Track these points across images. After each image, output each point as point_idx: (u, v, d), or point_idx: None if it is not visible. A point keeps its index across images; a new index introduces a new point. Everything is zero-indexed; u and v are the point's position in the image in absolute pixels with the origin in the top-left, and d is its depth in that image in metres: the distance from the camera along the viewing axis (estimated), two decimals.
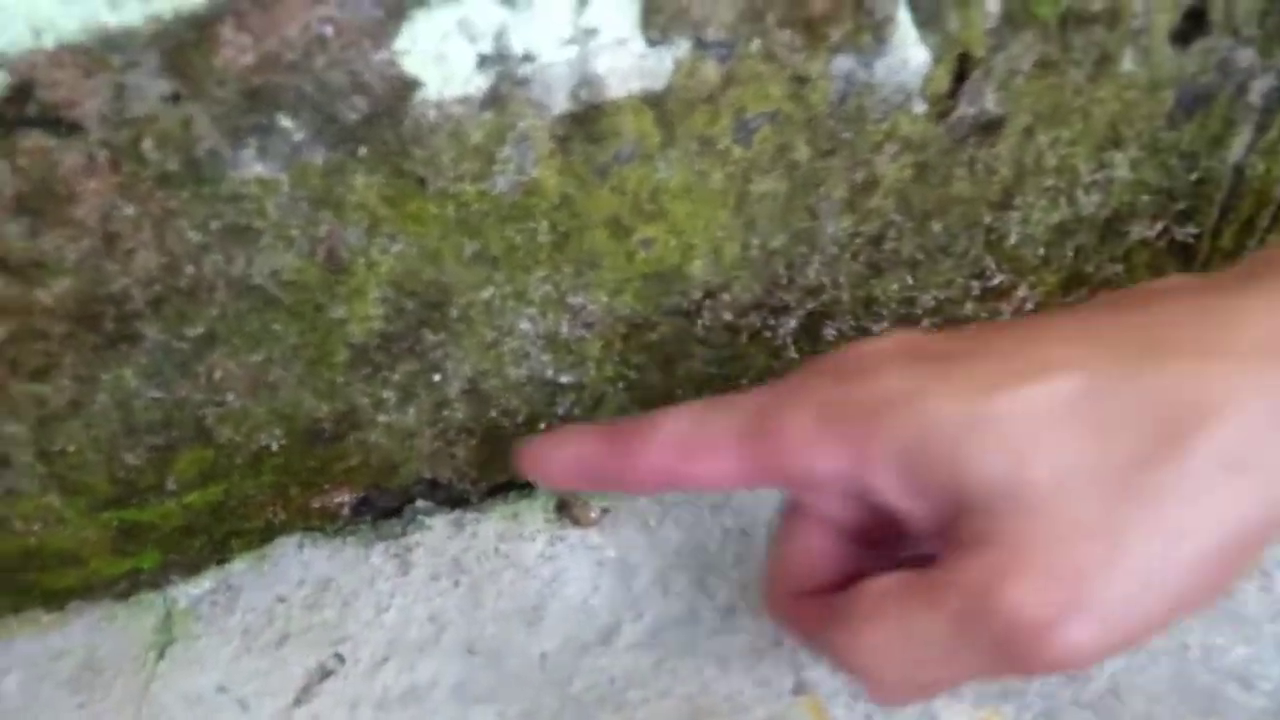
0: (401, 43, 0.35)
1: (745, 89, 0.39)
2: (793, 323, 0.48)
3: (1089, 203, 0.47)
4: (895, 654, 0.32)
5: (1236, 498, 0.29)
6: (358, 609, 0.49)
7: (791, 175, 0.42)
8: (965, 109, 0.42)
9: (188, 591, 0.50)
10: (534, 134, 0.38)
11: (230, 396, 0.43)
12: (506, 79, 0.37)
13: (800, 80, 0.39)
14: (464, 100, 0.37)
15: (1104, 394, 0.30)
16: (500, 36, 0.36)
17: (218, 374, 0.42)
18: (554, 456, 0.38)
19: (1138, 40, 0.42)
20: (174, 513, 0.46)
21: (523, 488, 0.53)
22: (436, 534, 0.51)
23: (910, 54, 0.40)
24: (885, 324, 0.50)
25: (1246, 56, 0.44)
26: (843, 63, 0.39)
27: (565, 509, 0.51)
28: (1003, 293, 0.50)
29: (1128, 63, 0.43)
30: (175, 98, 0.34)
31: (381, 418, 0.46)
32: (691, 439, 0.35)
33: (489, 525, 0.51)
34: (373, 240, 0.39)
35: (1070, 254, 0.50)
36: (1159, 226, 0.50)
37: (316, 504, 0.49)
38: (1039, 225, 0.48)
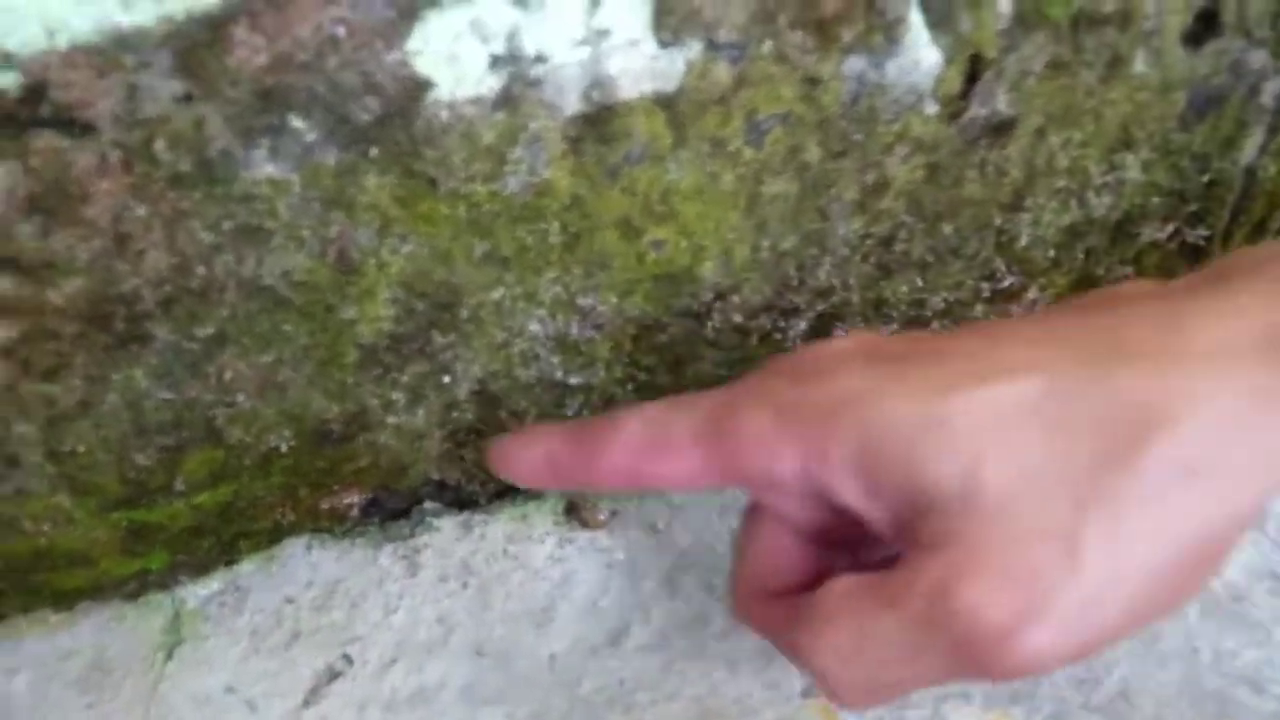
0: (414, 43, 0.35)
1: (757, 90, 0.39)
2: (803, 324, 0.48)
3: (1100, 204, 0.47)
4: (855, 655, 0.32)
5: (1195, 502, 0.29)
6: (366, 610, 0.49)
7: (803, 177, 0.42)
8: (977, 110, 0.42)
9: (196, 592, 0.50)
10: (546, 135, 0.38)
11: (240, 397, 0.43)
12: (518, 80, 0.37)
13: (812, 81, 0.39)
14: (476, 101, 0.37)
15: (1064, 396, 0.30)
16: (512, 37, 0.36)
17: (228, 375, 0.42)
18: (521, 456, 0.38)
19: (1149, 42, 0.42)
20: (183, 513, 0.46)
21: (531, 490, 0.53)
22: (445, 535, 0.51)
23: (922, 55, 0.40)
24: (895, 326, 0.50)
25: (1259, 58, 0.44)
26: (854, 64, 0.39)
27: (574, 511, 0.51)
28: (1013, 295, 0.50)
29: (1139, 64, 0.43)
30: (188, 98, 0.34)
31: (391, 419, 0.46)
32: (651, 439, 0.35)
33: (497, 527, 0.51)
34: (383, 241, 0.39)
35: (1081, 256, 0.50)
36: (1170, 228, 0.50)
37: (325, 505, 0.49)
38: (1050, 227, 0.48)
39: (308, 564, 0.50)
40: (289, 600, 0.49)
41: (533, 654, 0.47)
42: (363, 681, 0.46)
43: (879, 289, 0.48)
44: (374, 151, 0.37)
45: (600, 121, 0.38)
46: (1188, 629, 0.46)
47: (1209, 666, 0.44)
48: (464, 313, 0.43)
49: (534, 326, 0.44)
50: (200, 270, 0.38)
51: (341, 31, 0.34)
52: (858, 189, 0.43)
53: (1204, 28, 0.42)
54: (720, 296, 0.46)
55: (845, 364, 0.33)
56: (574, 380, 0.47)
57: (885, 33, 0.39)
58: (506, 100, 0.37)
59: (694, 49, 0.37)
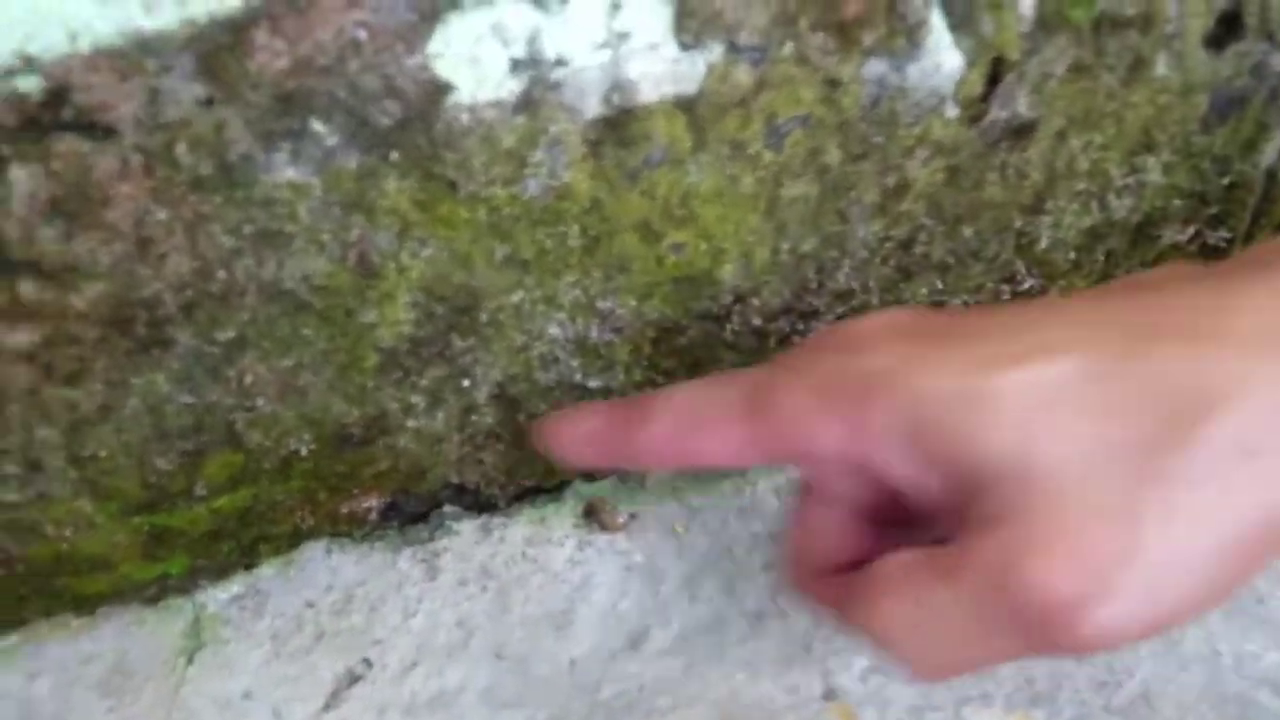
0: (434, 46, 0.35)
1: (777, 93, 0.39)
2: (822, 327, 0.48)
3: (1121, 207, 0.47)
4: (915, 629, 0.32)
5: (1254, 483, 0.28)
6: (385, 614, 0.49)
7: (822, 179, 0.42)
8: (998, 113, 0.42)
9: (216, 596, 0.50)
10: (566, 138, 0.38)
11: (260, 401, 0.43)
12: (539, 83, 0.37)
13: (832, 84, 0.39)
14: (496, 104, 0.37)
15: (1105, 377, 0.30)
16: (533, 40, 0.36)
17: (248, 379, 0.42)
18: (567, 434, 0.38)
19: (1171, 44, 0.42)
20: (203, 517, 0.46)
21: (550, 492, 0.53)
22: (464, 539, 0.51)
23: (943, 58, 0.40)
24: None
25: None
26: (875, 66, 0.39)
27: (593, 513, 0.51)
28: (1033, 297, 0.50)
29: (1161, 67, 0.42)
30: (209, 102, 0.34)
31: (410, 423, 0.46)
32: (693, 416, 0.35)
33: (516, 530, 0.51)
34: (403, 244, 0.39)
35: (1101, 258, 0.49)
36: (1190, 231, 0.50)
37: (344, 509, 0.49)
38: (1070, 229, 0.48)
39: (327, 568, 0.50)
40: (309, 604, 0.49)
41: (552, 657, 0.47)
42: (383, 685, 0.46)
43: (899, 291, 0.48)
44: (394, 155, 0.37)
45: (620, 125, 0.38)
46: (1209, 632, 0.46)
47: (1230, 669, 0.44)
48: (484, 316, 0.43)
49: (553, 330, 0.44)
50: (221, 274, 0.38)
51: (363, 35, 0.34)
52: (878, 191, 0.43)
53: (1226, 30, 0.42)
54: (740, 299, 0.46)
55: (885, 338, 0.33)
56: (593, 383, 0.47)
57: (907, 35, 0.39)
58: (527, 103, 0.37)
59: (715, 52, 0.37)
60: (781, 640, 0.47)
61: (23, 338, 0.38)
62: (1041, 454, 0.29)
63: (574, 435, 0.38)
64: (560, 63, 0.36)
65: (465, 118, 0.37)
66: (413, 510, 0.51)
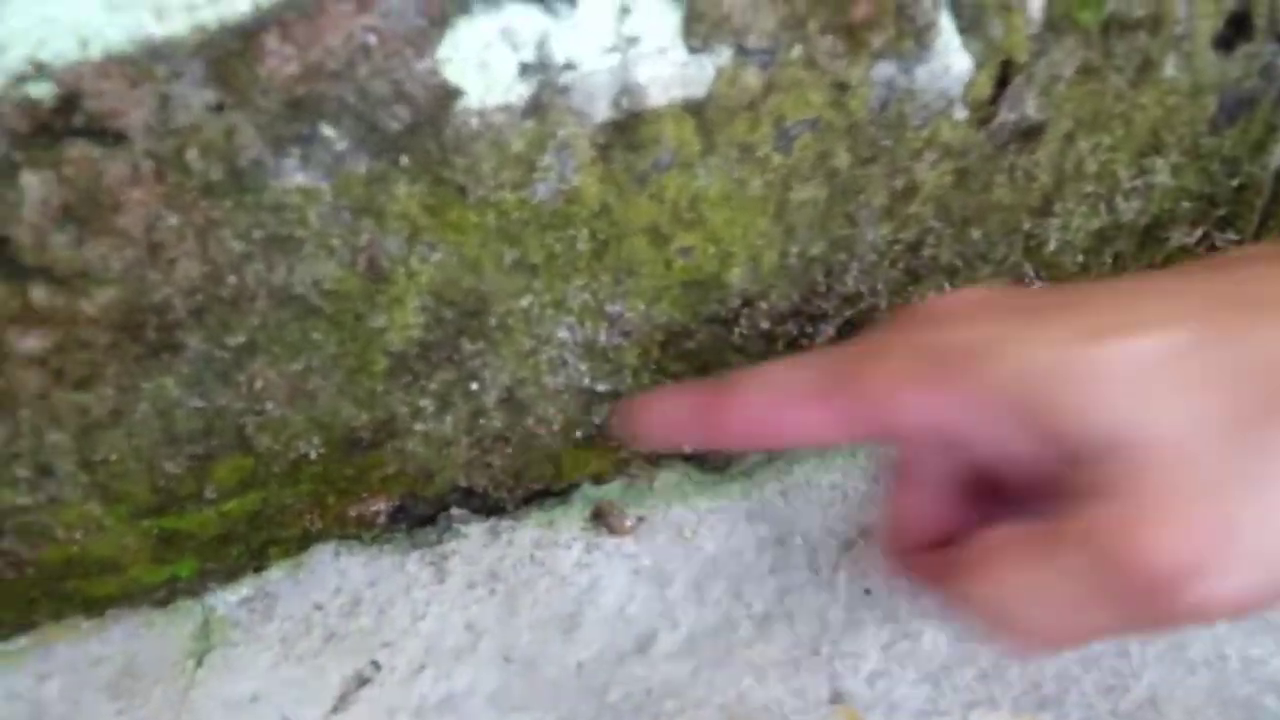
0: (444, 51, 0.35)
1: (786, 96, 0.39)
2: (830, 330, 0.48)
3: (1129, 209, 0.47)
4: (1020, 603, 0.31)
5: None
6: (394, 617, 0.49)
7: (831, 182, 0.42)
8: (1006, 115, 0.42)
9: (225, 599, 0.50)
10: (575, 142, 0.38)
11: (270, 405, 0.43)
12: (548, 87, 0.37)
13: (841, 87, 0.39)
14: (505, 109, 0.37)
15: (1208, 351, 0.30)
16: (542, 45, 0.36)
17: (258, 383, 0.42)
18: (651, 416, 0.38)
19: (1180, 46, 0.42)
20: (212, 521, 0.47)
21: (558, 495, 0.53)
22: (472, 542, 0.51)
23: (952, 60, 0.40)
24: None
25: None
26: (884, 69, 0.39)
27: (600, 517, 0.51)
28: None
29: (1170, 68, 0.42)
30: (219, 107, 0.34)
31: (419, 426, 0.46)
32: (783, 393, 0.35)
33: (525, 533, 0.51)
34: (413, 249, 0.39)
35: (1109, 260, 0.49)
36: (1199, 233, 0.50)
37: (353, 512, 0.49)
38: (1078, 232, 0.48)
39: (336, 570, 0.50)
40: (318, 607, 0.49)
41: (560, 661, 0.47)
42: (391, 688, 0.46)
43: (907, 294, 0.48)
44: (404, 160, 0.37)
45: (629, 128, 0.38)
46: (1216, 636, 0.46)
47: (1237, 673, 0.44)
48: (492, 320, 0.43)
49: (562, 334, 0.44)
50: (231, 279, 0.38)
51: (372, 40, 0.34)
52: (886, 194, 0.43)
53: (1235, 31, 0.42)
54: (748, 302, 0.46)
55: (980, 311, 0.33)
56: (602, 387, 0.47)
57: (915, 38, 0.39)
58: (536, 108, 0.37)
59: (723, 55, 0.37)
60: (789, 644, 0.47)
61: (34, 343, 0.38)
62: (1149, 425, 0.29)
63: (658, 418, 0.38)
64: (569, 67, 0.36)
65: (474, 122, 0.37)
66: (421, 513, 0.51)
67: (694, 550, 0.50)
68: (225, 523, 0.47)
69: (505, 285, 0.42)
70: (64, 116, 0.33)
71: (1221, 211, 0.49)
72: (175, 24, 0.33)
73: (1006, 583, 0.32)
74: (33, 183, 0.34)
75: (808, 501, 0.52)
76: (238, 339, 0.40)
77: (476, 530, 0.52)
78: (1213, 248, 0.50)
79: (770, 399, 0.35)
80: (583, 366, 0.46)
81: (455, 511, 0.52)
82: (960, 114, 0.41)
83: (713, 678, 0.46)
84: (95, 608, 0.49)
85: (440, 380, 0.44)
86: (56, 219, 0.35)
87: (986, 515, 0.35)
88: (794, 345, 0.48)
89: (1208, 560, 0.28)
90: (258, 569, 0.50)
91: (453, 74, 0.35)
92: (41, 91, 0.32)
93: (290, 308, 0.40)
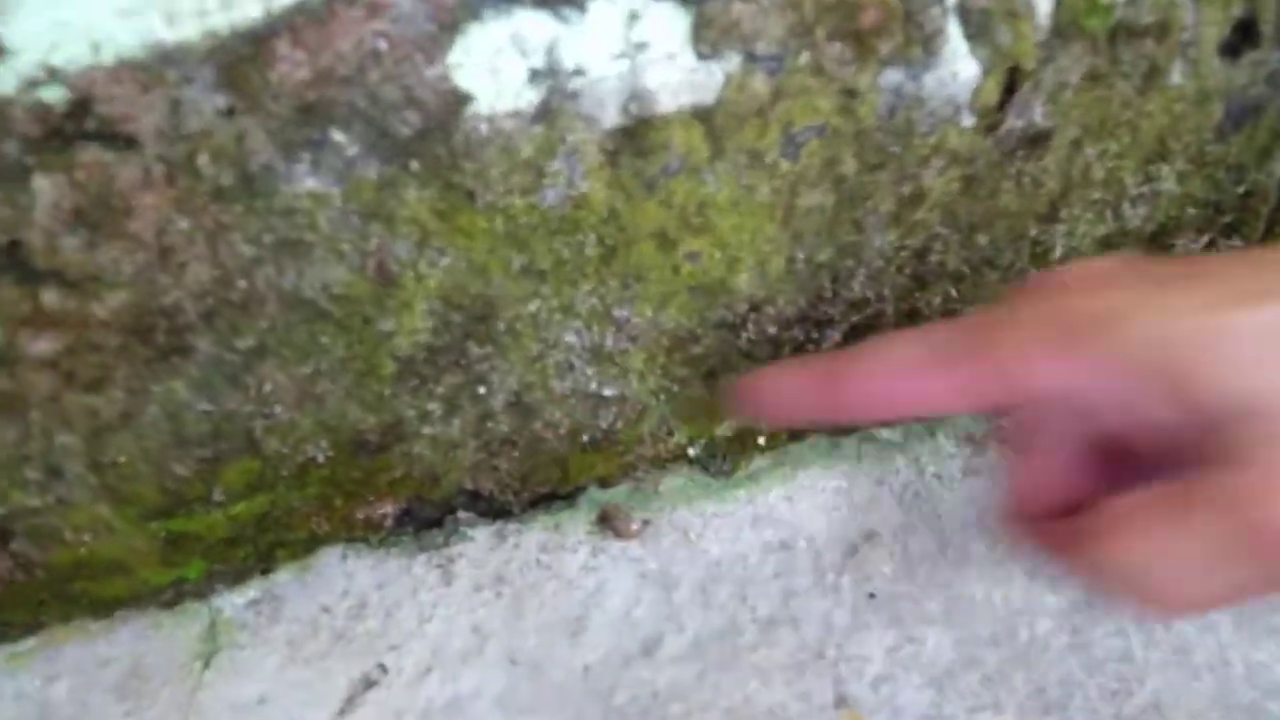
0: (454, 57, 0.35)
1: (794, 102, 0.39)
2: (836, 335, 0.48)
3: (1135, 215, 0.47)
4: (1153, 568, 0.32)
5: None
6: (401, 619, 0.49)
7: (839, 189, 0.42)
8: (1013, 122, 0.42)
9: (233, 601, 0.50)
10: (583, 148, 0.38)
11: (278, 408, 0.43)
12: (557, 93, 0.37)
13: (849, 94, 0.39)
14: (515, 114, 0.37)
15: None
16: (552, 50, 0.36)
17: (267, 386, 0.42)
18: (770, 390, 0.38)
19: (1187, 53, 0.42)
20: (220, 523, 0.47)
21: (564, 499, 0.53)
22: (479, 545, 0.51)
23: (960, 67, 0.40)
24: None
25: None
26: (892, 76, 0.39)
27: (607, 520, 0.51)
28: None
29: (1176, 75, 0.43)
30: (230, 112, 0.34)
31: (426, 430, 0.46)
32: (906, 362, 0.35)
33: (531, 536, 0.51)
34: (422, 253, 0.40)
35: None
36: (1205, 240, 0.50)
37: (360, 515, 0.50)
38: (1085, 238, 0.48)
39: (343, 573, 0.50)
40: (325, 609, 0.49)
41: (566, 664, 0.47)
42: (398, 690, 0.46)
43: (913, 300, 0.48)
44: (414, 165, 0.37)
45: (638, 134, 0.38)
46: (1220, 641, 0.46)
47: (1241, 678, 0.44)
48: (500, 325, 0.43)
49: (570, 338, 0.44)
50: (241, 283, 0.38)
51: (383, 45, 0.34)
52: (893, 201, 0.43)
53: (1241, 38, 0.42)
54: (755, 308, 0.46)
55: (1108, 281, 0.33)
56: (608, 391, 0.47)
57: (923, 45, 0.39)
58: (545, 113, 0.37)
59: (732, 61, 0.38)
60: (793, 647, 0.47)
61: (45, 345, 0.38)
62: None
63: (777, 391, 0.37)
64: (578, 73, 0.37)
65: (484, 128, 0.37)
66: (428, 516, 0.52)
67: (699, 554, 0.50)
68: (233, 525, 0.47)
69: (513, 290, 0.42)
70: (76, 121, 0.33)
71: (1227, 218, 0.49)
72: (187, 29, 0.33)
73: (1138, 548, 0.32)
74: (44, 187, 0.34)
75: (812, 506, 0.52)
76: (247, 342, 0.40)
77: (483, 533, 0.52)
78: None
79: (894, 369, 0.35)
80: (589, 371, 0.46)
81: (462, 514, 0.52)
82: (967, 121, 0.41)
83: (718, 681, 0.46)
84: (103, 609, 0.49)
85: (448, 384, 0.45)
86: (68, 223, 0.35)
87: (1114, 482, 0.35)
88: (800, 350, 0.48)
89: None
90: (265, 571, 0.50)
91: (463, 80, 0.36)
92: (53, 96, 0.33)
93: (299, 311, 0.40)
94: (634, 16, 0.36)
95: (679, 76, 0.37)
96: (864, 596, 0.48)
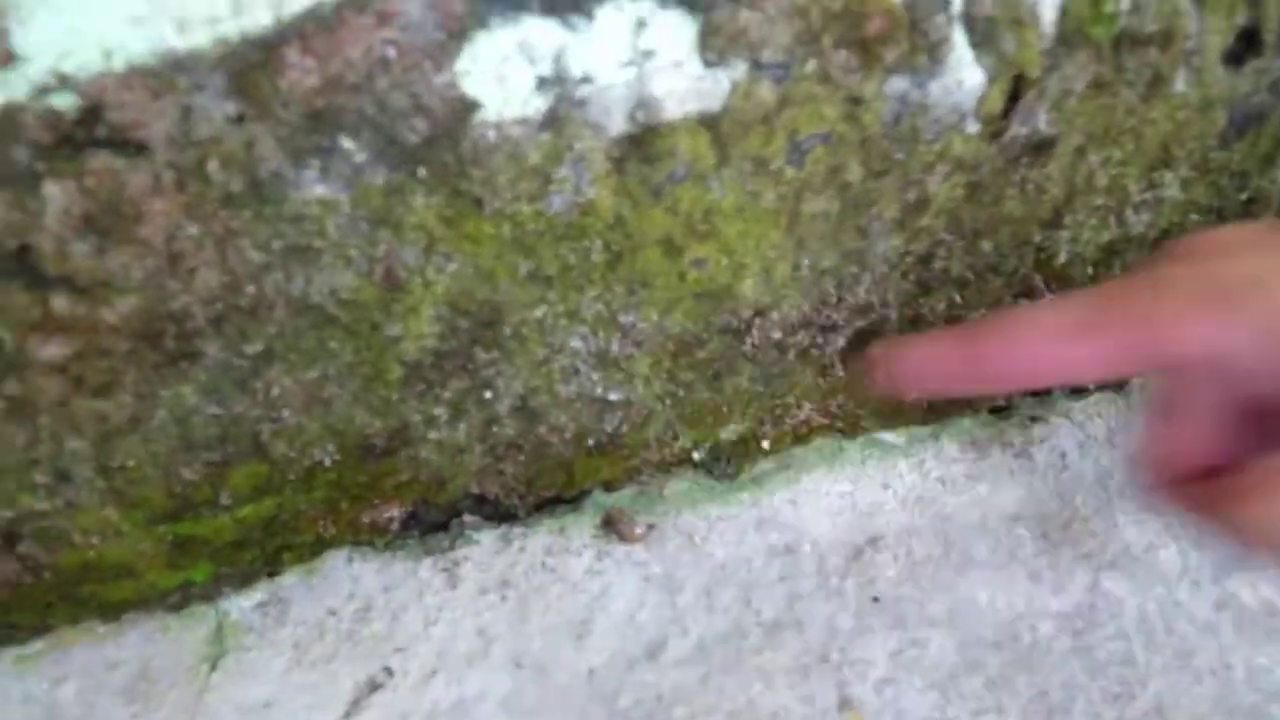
0: (462, 64, 0.35)
1: (800, 110, 0.39)
2: (841, 341, 0.49)
3: (1139, 222, 0.48)
4: None
5: None
6: (406, 622, 0.49)
7: (843, 195, 0.42)
8: (1018, 129, 0.42)
9: (239, 604, 0.50)
10: (590, 155, 0.38)
11: (286, 413, 0.43)
12: (565, 100, 0.37)
13: (855, 101, 0.40)
14: (522, 121, 0.37)
15: None
16: (559, 58, 0.36)
17: (274, 391, 0.42)
18: (911, 360, 0.37)
19: (1190, 61, 0.42)
20: (227, 526, 0.47)
21: (569, 502, 0.53)
22: (484, 548, 0.51)
23: (965, 75, 0.40)
24: None
25: None
26: (897, 84, 0.40)
27: (611, 524, 0.52)
28: None
29: (1180, 83, 0.43)
30: (240, 119, 0.35)
31: (432, 434, 0.46)
32: (1050, 329, 0.35)
33: (536, 540, 0.52)
34: (429, 259, 0.40)
35: (1119, 272, 0.50)
36: None
37: (366, 518, 0.50)
38: (1088, 244, 0.48)
39: (349, 576, 0.51)
40: (331, 612, 0.49)
41: (571, 667, 0.47)
42: (404, 693, 0.47)
43: (917, 306, 0.48)
44: (422, 171, 0.37)
45: (644, 141, 0.39)
46: (1221, 645, 0.46)
47: (1243, 682, 0.44)
48: (507, 330, 0.43)
49: (575, 343, 0.45)
50: (250, 288, 0.38)
51: (392, 53, 0.34)
52: (898, 207, 0.44)
53: (1245, 47, 0.42)
54: (760, 313, 0.46)
55: (1256, 245, 0.34)
56: (613, 396, 0.47)
57: (929, 53, 0.39)
58: (552, 121, 0.37)
59: (739, 69, 0.38)
60: (798, 650, 0.47)
61: (55, 350, 0.38)
62: None
63: (918, 361, 0.37)
64: (586, 80, 0.37)
65: (492, 135, 0.37)
66: (433, 520, 0.52)
67: (704, 557, 0.51)
68: (240, 528, 0.47)
69: (520, 296, 0.42)
70: (86, 127, 0.34)
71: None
72: (197, 37, 0.33)
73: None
74: (55, 193, 0.34)
75: (817, 509, 0.52)
76: (255, 347, 0.40)
77: (488, 537, 0.52)
78: None
79: (1039, 337, 0.35)
80: (595, 375, 0.46)
81: (467, 518, 0.52)
82: (972, 128, 0.42)
83: (722, 684, 0.46)
84: (111, 612, 0.49)
85: (454, 389, 0.45)
86: (78, 229, 0.35)
87: (1257, 444, 0.36)
88: (805, 355, 0.49)
89: None
90: (271, 574, 0.51)
91: (470, 87, 0.36)
92: (65, 103, 0.33)
93: (307, 317, 0.40)
94: (641, 24, 0.36)
95: (685, 84, 0.38)
96: (868, 600, 0.49)
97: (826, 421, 0.53)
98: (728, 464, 0.53)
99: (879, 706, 0.45)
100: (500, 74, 0.36)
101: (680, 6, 0.36)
